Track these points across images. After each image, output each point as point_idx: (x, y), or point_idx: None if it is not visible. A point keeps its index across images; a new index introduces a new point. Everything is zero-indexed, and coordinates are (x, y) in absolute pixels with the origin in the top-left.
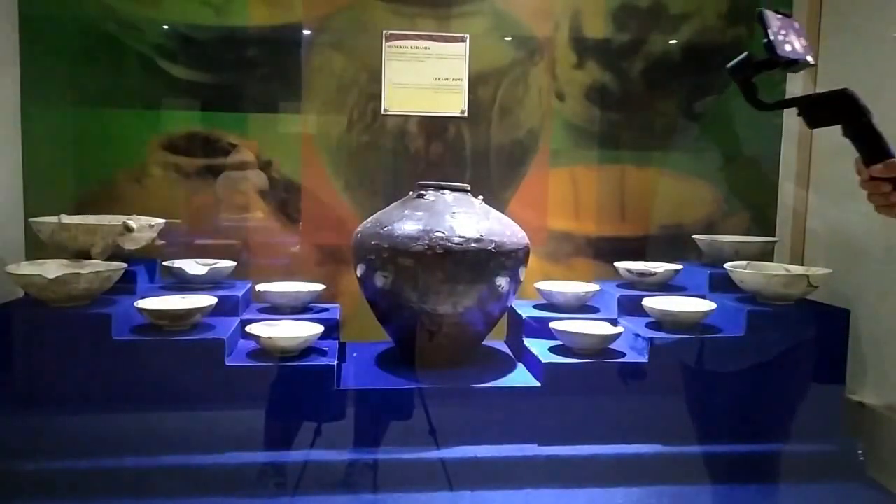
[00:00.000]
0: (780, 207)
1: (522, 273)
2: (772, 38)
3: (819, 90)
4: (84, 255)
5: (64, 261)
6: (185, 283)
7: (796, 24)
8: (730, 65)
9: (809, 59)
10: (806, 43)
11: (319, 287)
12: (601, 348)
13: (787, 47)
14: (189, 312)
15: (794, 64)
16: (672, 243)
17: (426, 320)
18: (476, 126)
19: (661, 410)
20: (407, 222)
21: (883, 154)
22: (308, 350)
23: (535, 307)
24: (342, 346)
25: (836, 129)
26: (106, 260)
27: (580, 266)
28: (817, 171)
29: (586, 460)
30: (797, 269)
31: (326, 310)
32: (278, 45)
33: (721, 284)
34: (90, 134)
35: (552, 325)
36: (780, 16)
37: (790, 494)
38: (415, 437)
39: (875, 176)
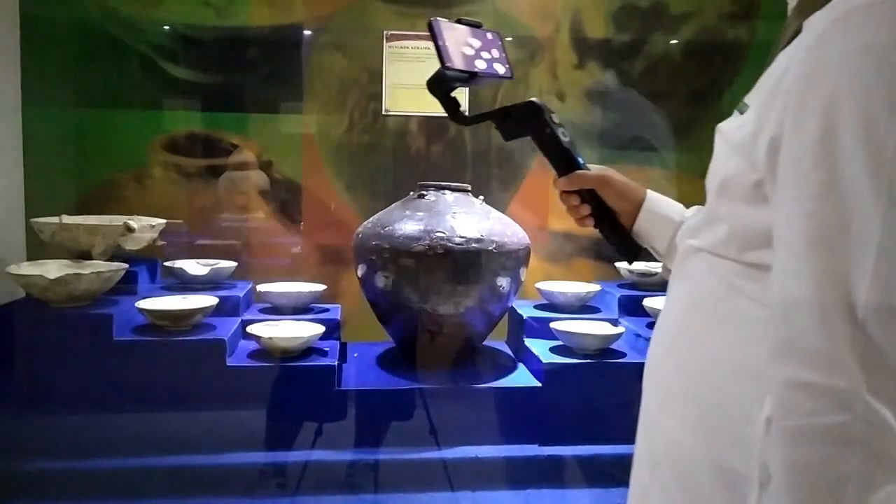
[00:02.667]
0: None
1: (523, 273)
2: (441, 48)
3: None
4: (85, 255)
5: (65, 261)
6: (186, 284)
7: (490, 35)
8: (427, 80)
9: (502, 70)
10: (502, 54)
11: (320, 287)
12: (602, 348)
13: (467, 58)
14: (190, 313)
15: (475, 77)
16: None
17: (427, 320)
18: (476, 126)
19: None
20: (408, 222)
21: (568, 167)
22: (309, 350)
23: (536, 307)
24: (343, 346)
25: None
26: (107, 260)
27: (581, 266)
28: None
29: (587, 460)
30: None
31: (327, 310)
32: (279, 45)
33: None
34: (91, 134)
35: (553, 325)
36: (463, 25)
37: None
38: (416, 437)
39: (563, 189)
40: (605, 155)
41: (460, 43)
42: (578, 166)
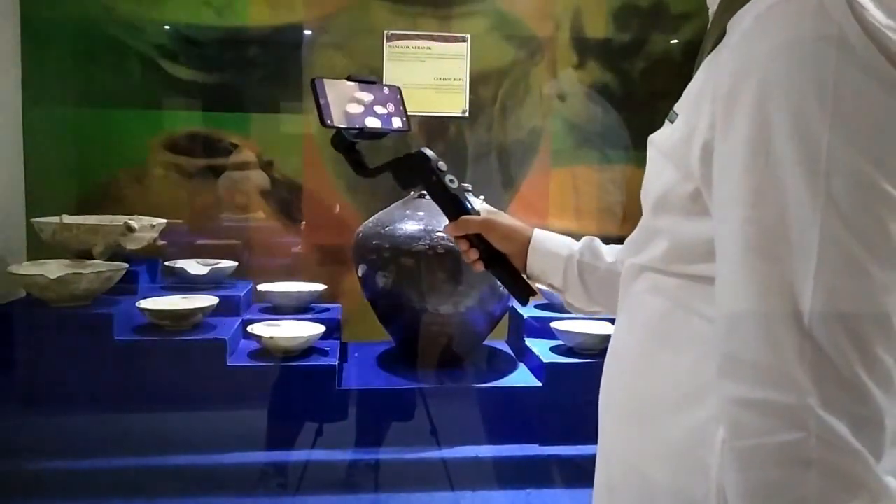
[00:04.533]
0: None
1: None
2: (321, 106)
3: None
4: (86, 255)
5: (66, 261)
6: (186, 283)
7: (387, 90)
8: (331, 138)
9: (398, 124)
10: (399, 108)
11: (321, 287)
12: (603, 348)
13: (351, 115)
14: (191, 312)
15: (362, 132)
16: None
17: (427, 320)
18: (477, 126)
19: None
20: (408, 222)
21: (456, 212)
22: (309, 350)
23: (537, 307)
24: (343, 346)
25: None
26: (107, 260)
27: None
28: None
29: (587, 460)
30: None
31: (328, 310)
32: (279, 45)
33: None
34: (92, 134)
35: (553, 324)
36: (352, 82)
37: None
38: (416, 437)
39: (451, 234)
40: (605, 155)
41: (345, 100)
42: (465, 211)
